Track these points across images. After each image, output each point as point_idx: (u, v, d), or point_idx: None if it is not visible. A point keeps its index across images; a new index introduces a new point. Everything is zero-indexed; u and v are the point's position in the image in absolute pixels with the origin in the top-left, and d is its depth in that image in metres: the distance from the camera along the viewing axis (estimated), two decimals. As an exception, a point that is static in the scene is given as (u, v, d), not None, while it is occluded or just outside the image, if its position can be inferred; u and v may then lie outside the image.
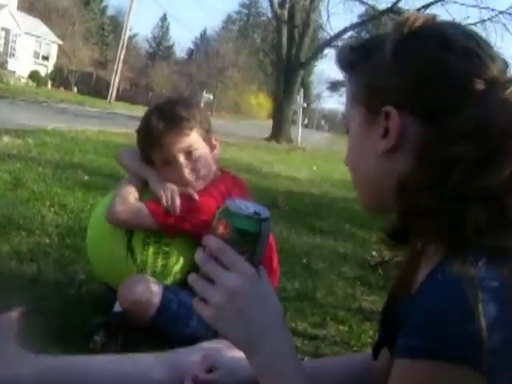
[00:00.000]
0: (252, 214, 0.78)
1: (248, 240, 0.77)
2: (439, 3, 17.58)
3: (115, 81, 29.28)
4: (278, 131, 19.50)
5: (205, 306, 0.79)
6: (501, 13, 16.65)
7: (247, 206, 0.79)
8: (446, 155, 0.73)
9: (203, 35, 69.83)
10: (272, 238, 1.84)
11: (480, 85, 0.76)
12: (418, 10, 13.55)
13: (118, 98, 32.43)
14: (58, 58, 38.98)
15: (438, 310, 0.67)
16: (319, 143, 22.80)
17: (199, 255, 0.80)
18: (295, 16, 19.87)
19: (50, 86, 33.87)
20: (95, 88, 37.60)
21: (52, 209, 3.33)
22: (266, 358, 0.79)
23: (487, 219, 0.71)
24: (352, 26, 20.10)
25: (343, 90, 0.99)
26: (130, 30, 35.21)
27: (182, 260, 1.85)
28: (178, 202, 1.79)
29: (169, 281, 1.84)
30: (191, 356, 1.40)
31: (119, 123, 12.77)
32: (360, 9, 36.93)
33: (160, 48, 64.84)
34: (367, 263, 3.33)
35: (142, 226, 1.80)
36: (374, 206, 0.90)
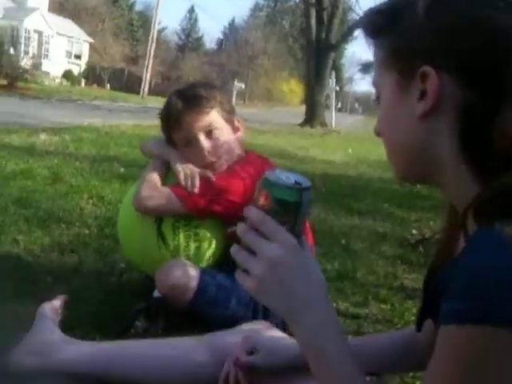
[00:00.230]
0: (292, 183, 0.76)
1: (289, 210, 0.76)
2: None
3: (147, 75, 29.55)
4: (312, 116, 19.35)
5: (247, 278, 0.77)
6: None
7: (288, 177, 0.77)
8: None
9: (232, 24, 69.84)
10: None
11: None
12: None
13: (151, 92, 32.73)
14: (89, 56, 39.51)
15: (483, 270, 0.64)
16: (353, 126, 22.58)
17: (240, 227, 0.78)
18: (323, -2, 19.60)
19: (83, 84, 34.38)
20: (127, 84, 37.97)
21: (90, 201, 3.38)
22: (307, 331, 0.78)
23: None
24: (382, 6, 19.67)
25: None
26: (159, 23, 35.47)
27: (213, 242, 1.83)
28: (197, 181, 1.76)
29: (203, 264, 1.83)
30: (231, 338, 1.40)
31: (152, 116, 12.82)
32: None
33: (189, 40, 65.09)
34: (407, 242, 3.28)
35: (171, 211, 1.78)
36: (409, 175, 0.86)
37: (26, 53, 29.29)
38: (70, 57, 37.30)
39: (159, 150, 1.91)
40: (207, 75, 47.55)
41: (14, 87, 18.46)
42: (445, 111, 0.76)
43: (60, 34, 35.52)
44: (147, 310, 1.73)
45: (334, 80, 20.29)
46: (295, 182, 0.76)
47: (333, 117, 20.05)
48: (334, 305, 2.13)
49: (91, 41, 39.26)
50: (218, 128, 1.84)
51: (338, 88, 22.01)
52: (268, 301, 0.78)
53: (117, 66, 39.75)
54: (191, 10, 65.41)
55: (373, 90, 0.89)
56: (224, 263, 1.84)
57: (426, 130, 0.78)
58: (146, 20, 49.55)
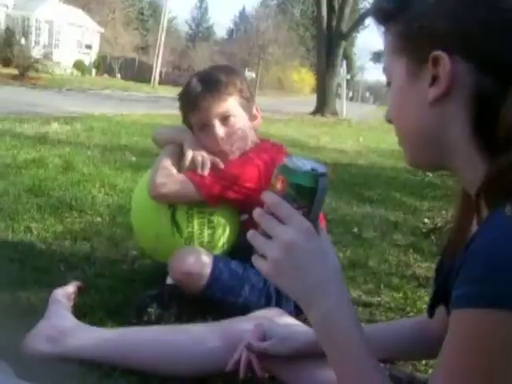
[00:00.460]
0: (308, 169, 0.78)
1: (304, 195, 0.77)
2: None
3: (157, 65, 29.53)
4: (323, 105, 19.25)
5: (263, 262, 0.78)
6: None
7: (304, 163, 0.79)
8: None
9: (242, 13, 69.55)
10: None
11: None
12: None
13: (161, 81, 32.71)
14: (100, 46, 39.55)
15: (495, 253, 0.63)
16: (364, 115, 22.44)
17: (257, 211, 0.79)
18: (334, -14, 19.46)
19: (94, 73, 34.43)
20: (138, 73, 37.98)
21: (102, 189, 3.40)
22: (322, 314, 0.78)
23: None
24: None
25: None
26: (169, 13, 35.35)
27: (227, 229, 1.83)
28: (207, 167, 1.76)
29: (217, 251, 1.83)
30: (244, 325, 1.40)
31: (163, 106, 12.89)
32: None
33: (199, 29, 64.94)
34: (419, 230, 3.26)
35: (186, 198, 1.77)
36: (422, 161, 0.86)
37: (37, 43, 29.42)
38: (80, 47, 37.32)
39: (172, 133, 1.91)
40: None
41: (25, 77, 18.53)
42: (456, 96, 0.76)
43: (71, 24, 35.55)
44: (160, 297, 1.73)
45: (345, 69, 20.17)
46: (311, 168, 0.78)
47: (344, 106, 19.95)
48: (346, 293, 2.12)
49: (102, 31, 39.27)
50: (234, 115, 1.83)
51: (349, 77, 21.90)
52: (284, 284, 0.79)
53: (127, 56, 39.76)
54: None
55: (384, 80, 0.89)
56: (237, 250, 1.84)
57: (437, 115, 0.78)
58: (156, 9, 49.51)
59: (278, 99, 34.44)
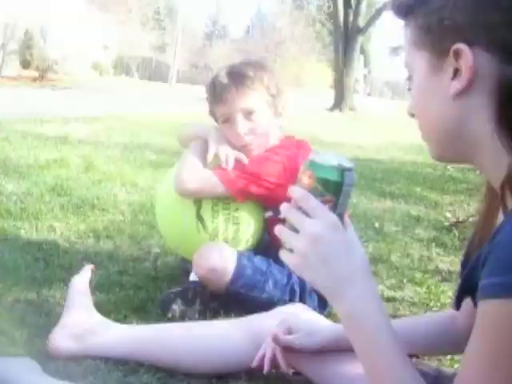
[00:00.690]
0: (335, 164, 0.79)
1: (330, 189, 0.79)
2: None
3: (174, 64, 29.64)
4: (341, 100, 19.14)
5: (290, 255, 0.79)
6: None
7: (331, 158, 0.80)
8: None
9: (259, 10, 69.41)
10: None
11: None
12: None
13: (179, 80, 32.83)
14: (117, 46, 39.76)
15: None
16: (383, 110, 22.29)
17: (284, 206, 0.80)
18: (350, -19, 19.33)
19: (112, 74, 34.65)
20: (155, 72, 38.14)
21: (123, 188, 3.43)
22: (350, 307, 0.78)
23: None
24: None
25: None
26: (185, 11, 35.42)
27: (252, 225, 1.83)
28: (231, 163, 1.76)
29: (241, 247, 1.83)
30: (268, 321, 1.40)
31: (181, 104, 12.93)
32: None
33: (216, 27, 64.99)
34: (441, 225, 3.23)
35: (211, 193, 1.78)
36: (446, 154, 0.85)
37: (56, 44, 29.65)
38: (98, 47, 37.56)
39: (196, 131, 1.91)
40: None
41: (45, 78, 18.75)
42: (479, 88, 0.75)
43: (88, 25, 35.79)
44: (184, 294, 1.74)
45: (363, 64, 20.05)
46: (338, 163, 0.79)
47: (362, 101, 19.84)
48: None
49: (119, 31, 39.47)
50: (258, 111, 1.83)
51: (366, 72, 21.76)
52: (311, 277, 0.79)
53: (145, 55, 39.94)
54: (217, -3, 65.30)
55: (402, 75, 0.88)
56: (261, 247, 1.84)
57: (460, 108, 0.77)
58: (172, 8, 49.64)
59: (295, 95, 34.35)
